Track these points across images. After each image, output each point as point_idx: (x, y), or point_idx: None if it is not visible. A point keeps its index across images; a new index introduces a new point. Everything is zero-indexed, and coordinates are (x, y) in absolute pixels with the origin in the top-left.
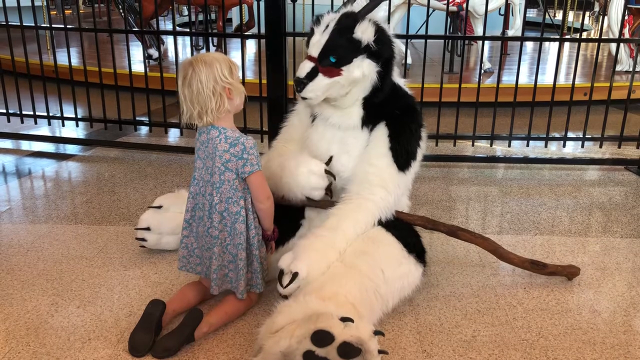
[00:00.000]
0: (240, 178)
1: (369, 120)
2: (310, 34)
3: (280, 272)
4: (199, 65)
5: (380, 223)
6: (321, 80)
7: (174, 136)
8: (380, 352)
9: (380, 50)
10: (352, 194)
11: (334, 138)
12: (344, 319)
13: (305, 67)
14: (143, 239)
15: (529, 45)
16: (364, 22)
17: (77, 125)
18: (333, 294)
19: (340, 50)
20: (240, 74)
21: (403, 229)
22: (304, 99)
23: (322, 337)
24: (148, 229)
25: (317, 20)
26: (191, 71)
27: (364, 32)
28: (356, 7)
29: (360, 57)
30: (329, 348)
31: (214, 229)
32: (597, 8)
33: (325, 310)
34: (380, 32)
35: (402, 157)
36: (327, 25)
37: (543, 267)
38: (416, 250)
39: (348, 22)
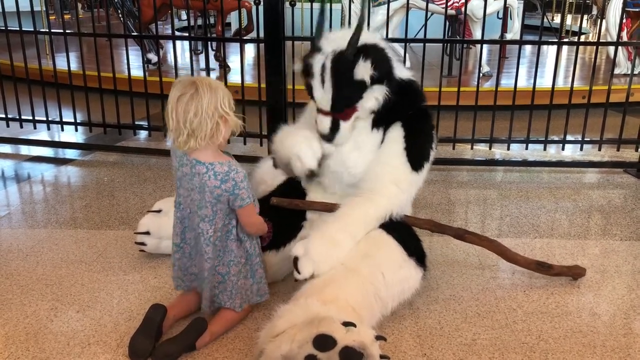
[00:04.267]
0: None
1: (380, 122)
2: (307, 77)
3: (295, 259)
4: (204, 87)
5: (381, 226)
6: (344, 126)
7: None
8: (382, 357)
9: (381, 72)
10: (364, 190)
11: None
12: (346, 324)
13: (325, 123)
14: (142, 243)
15: (528, 49)
16: (359, 63)
17: (76, 130)
18: (334, 297)
19: (348, 97)
20: (239, 79)
21: (404, 232)
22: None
23: (324, 342)
24: (147, 233)
25: (306, 67)
26: (193, 91)
27: (364, 72)
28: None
29: (368, 90)
30: (331, 352)
31: (209, 261)
32: (595, 11)
33: (326, 314)
34: (372, 52)
35: (417, 157)
36: (322, 74)
37: (549, 268)
38: (416, 253)
39: (343, 67)
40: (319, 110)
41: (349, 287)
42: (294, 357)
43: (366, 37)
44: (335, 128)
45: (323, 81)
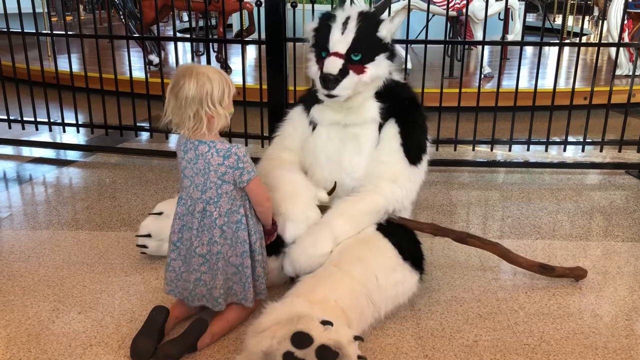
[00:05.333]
0: (239, 187)
1: (386, 112)
2: (321, 28)
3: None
4: (192, 81)
5: (379, 229)
6: (352, 77)
7: (174, 142)
8: (359, 357)
9: (393, 50)
10: (360, 189)
11: (344, 139)
12: (324, 322)
13: (337, 63)
14: (144, 246)
15: (529, 50)
16: (386, 22)
17: (78, 131)
18: (323, 297)
19: (366, 48)
20: (240, 81)
21: (401, 235)
22: (331, 97)
23: (301, 339)
24: (149, 235)
25: (329, 16)
26: (182, 83)
27: (388, 32)
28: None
29: (382, 56)
30: (308, 350)
31: (216, 245)
32: (596, 12)
33: (309, 312)
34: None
35: (414, 151)
36: (346, 22)
37: (551, 270)
38: (412, 257)
39: (371, 21)
40: (330, 54)
41: (340, 289)
42: (273, 353)
43: None
44: (344, 72)
45: (344, 29)
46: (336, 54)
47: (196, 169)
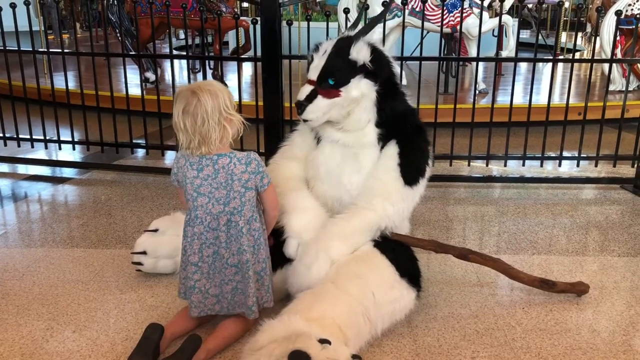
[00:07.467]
0: (260, 192)
1: (386, 137)
2: (310, 60)
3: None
4: (205, 95)
5: (376, 246)
6: (320, 101)
7: (170, 159)
8: None
9: (377, 70)
10: (353, 205)
11: (345, 156)
12: (322, 341)
13: (305, 90)
14: (139, 263)
15: (523, 66)
16: (358, 43)
17: (74, 149)
18: (320, 315)
19: (337, 72)
20: (236, 97)
21: (398, 252)
22: (305, 121)
23: (299, 357)
24: (144, 252)
25: (316, 47)
26: (196, 101)
27: (359, 53)
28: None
29: (358, 78)
30: None
31: (244, 254)
32: (589, 29)
33: (306, 330)
34: (376, 52)
35: (411, 172)
36: (326, 50)
37: (553, 285)
38: (409, 274)
39: (344, 44)
40: (307, 81)
41: (337, 306)
42: None
43: (383, 49)
44: (311, 97)
45: (324, 54)
46: (309, 81)
47: (216, 183)
